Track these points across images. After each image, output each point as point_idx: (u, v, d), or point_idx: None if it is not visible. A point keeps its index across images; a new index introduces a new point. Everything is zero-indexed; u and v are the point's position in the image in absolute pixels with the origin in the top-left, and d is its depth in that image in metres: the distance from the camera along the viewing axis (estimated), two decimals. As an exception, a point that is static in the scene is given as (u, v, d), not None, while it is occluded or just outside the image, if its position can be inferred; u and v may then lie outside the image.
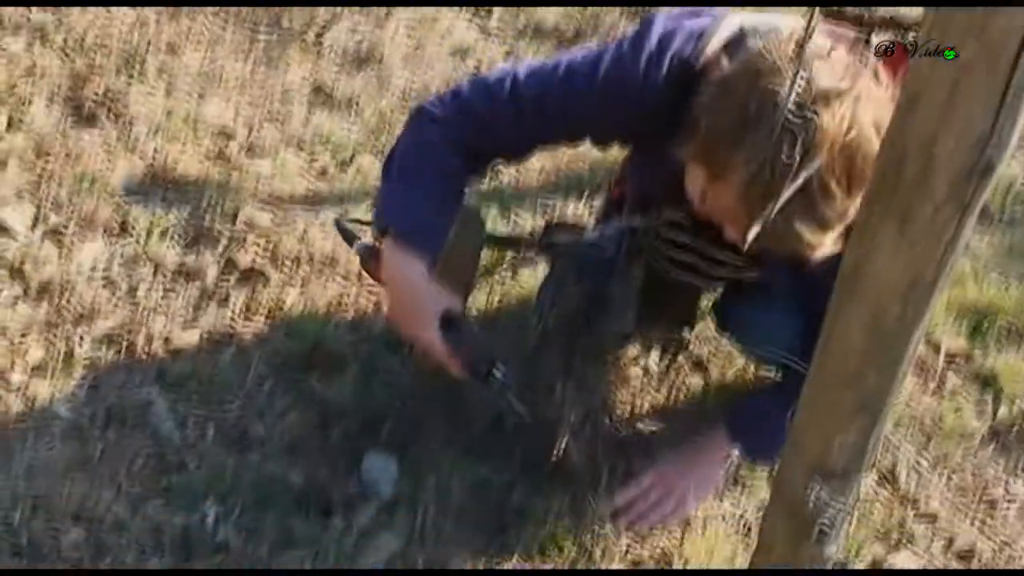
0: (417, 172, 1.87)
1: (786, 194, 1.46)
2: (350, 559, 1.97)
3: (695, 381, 2.47)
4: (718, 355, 2.51)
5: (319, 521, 2.04)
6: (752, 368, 2.46)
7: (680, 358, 2.47)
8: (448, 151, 1.86)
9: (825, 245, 1.60)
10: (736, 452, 2.16)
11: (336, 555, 1.98)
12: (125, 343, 2.30)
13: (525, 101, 1.83)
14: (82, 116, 2.81)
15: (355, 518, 2.06)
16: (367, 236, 2.03)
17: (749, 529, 2.16)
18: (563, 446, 2.07)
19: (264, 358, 2.32)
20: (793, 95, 1.46)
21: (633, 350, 2.46)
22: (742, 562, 1.98)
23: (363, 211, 2.64)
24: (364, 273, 2.12)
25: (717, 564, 2.05)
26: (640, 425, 2.32)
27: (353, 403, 2.25)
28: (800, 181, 1.48)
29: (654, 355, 2.46)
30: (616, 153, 2.27)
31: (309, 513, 2.05)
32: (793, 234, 1.57)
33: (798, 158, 1.47)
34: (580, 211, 2.81)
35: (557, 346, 2.13)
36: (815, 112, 1.49)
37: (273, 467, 2.11)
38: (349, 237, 2.09)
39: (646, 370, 2.45)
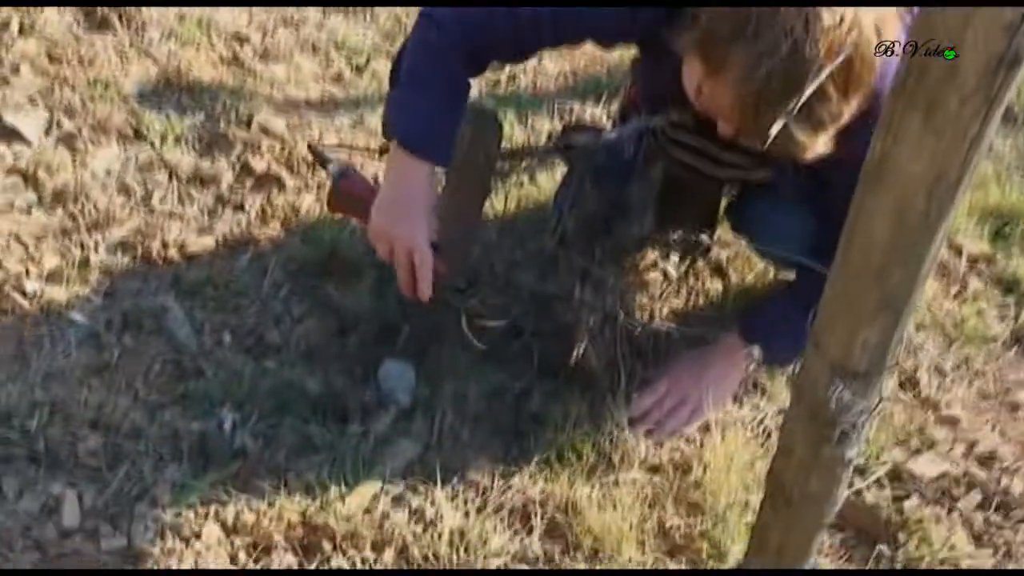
0: (421, 78, 1.85)
1: (808, 91, 1.43)
2: (368, 465, 1.95)
3: (714, 286, 2.44)
4: (738, 260, 2.48)
5: (336, 428, 2.02)
6: (772, 273, 2.43)
7: (700, 263, 2.43)
8: (450, 57, 1.84)
9: (817, 147, 1.59)
10: (753, 355, 2.13)
11: (353, 461, 1.95)
12: (140, 249, 2.27)
13: (522, 17, 1.81)
14: (94, 21, 2.78)
15: (372, 425, 2.03)
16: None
17: (769, 434, 2.13)
18: (581, 351, 2.05)
19: (280, 264, 2.30)
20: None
21: (652, 254, 2.42)
22: (762, 467, 1.94)
23: (378, 117, 2.60)
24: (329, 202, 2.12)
25: (737, 470, 2.00)
26: (658, 330, 2.27)
27: (370, 310, 2.22)
28: (808, 84, 1.46)
29: (673, 259, 2.42)
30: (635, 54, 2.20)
31: (326, 420, 2.03)
32: (786, 135, 1.54)
33: (798, 57, 1.47)
34: (598, 114, 2.76)
35: (575, 250, 2.10)
36: (817, 11, 1.46)
37: (290, 374, 2.09)
38: (323, 160, 2.08)
39: (665, 274, 2.42)
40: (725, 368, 2.16)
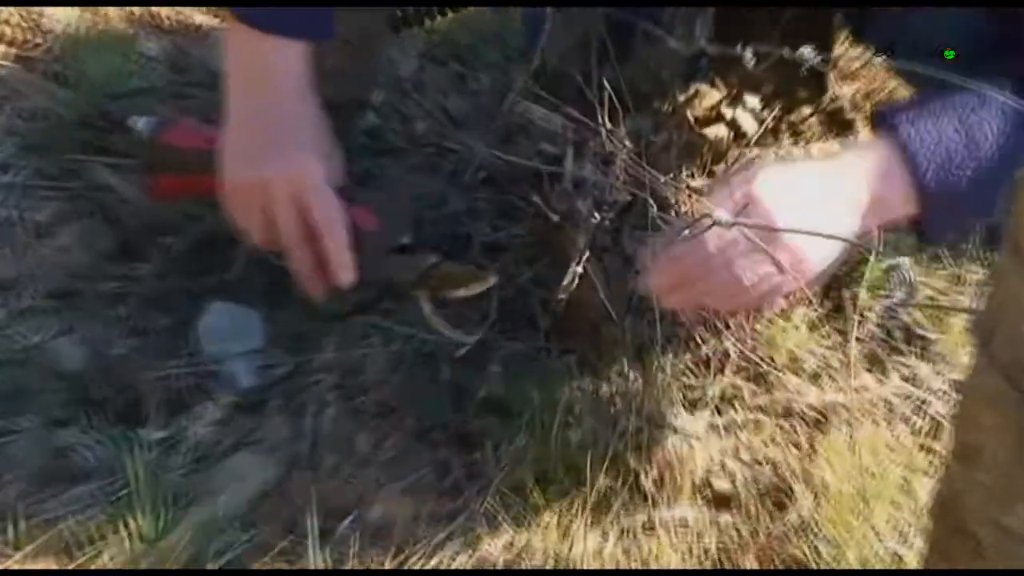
0: None
1: None
2: (183, 501, 1.74)
3: (829, 149, 2.24)
4: (872, 98, 2.39)
5: (118, 433, 1.82)
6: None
7: (802, 107, 2.24)
8: None
9: None
10: (905, 156, 1.71)
11: (153, 496, 1.72)
12: None
13: None
14: None
15: (190, 425, 1.85)
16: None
17: (937, 427, 1.93)
18: (576, 277, 1.84)
19: (9, 126, 2.21)
20: None
21: (712, 93, 2.16)
22: (923, 488, 1.77)
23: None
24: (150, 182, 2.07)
25: (877, 496, 1.80)
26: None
27: (178, 210, 2.08)
28: None
29: (751, 101, 2.17)
30: None
31: (99, 419, 1.84)
32: None
33: None
34: None
35: (566, 87, 1.93)
36: None
37: (27, 335, 1.92)
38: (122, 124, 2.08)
39: (736, 129, 2.17)
40: (846, 176, 1.69)
